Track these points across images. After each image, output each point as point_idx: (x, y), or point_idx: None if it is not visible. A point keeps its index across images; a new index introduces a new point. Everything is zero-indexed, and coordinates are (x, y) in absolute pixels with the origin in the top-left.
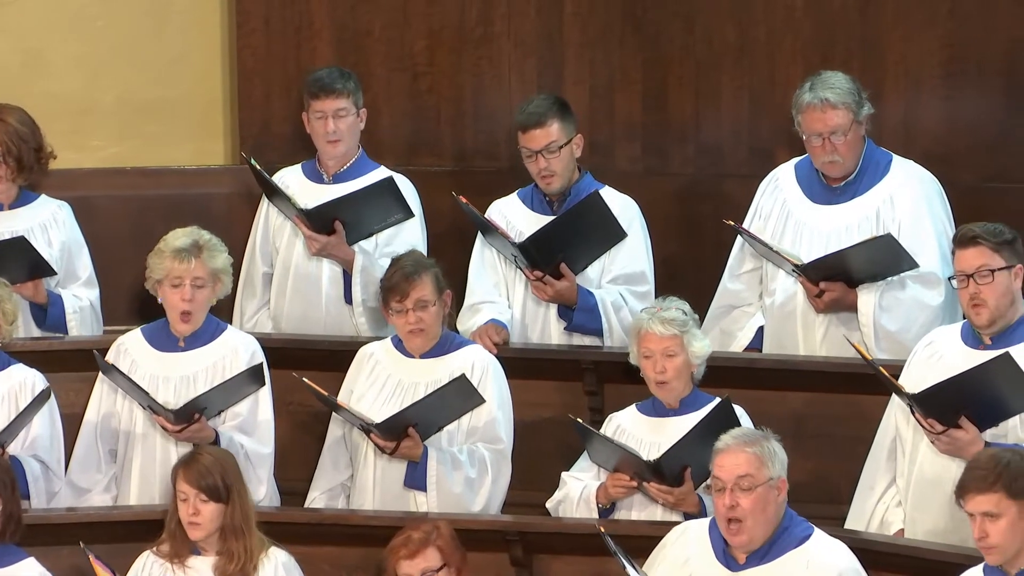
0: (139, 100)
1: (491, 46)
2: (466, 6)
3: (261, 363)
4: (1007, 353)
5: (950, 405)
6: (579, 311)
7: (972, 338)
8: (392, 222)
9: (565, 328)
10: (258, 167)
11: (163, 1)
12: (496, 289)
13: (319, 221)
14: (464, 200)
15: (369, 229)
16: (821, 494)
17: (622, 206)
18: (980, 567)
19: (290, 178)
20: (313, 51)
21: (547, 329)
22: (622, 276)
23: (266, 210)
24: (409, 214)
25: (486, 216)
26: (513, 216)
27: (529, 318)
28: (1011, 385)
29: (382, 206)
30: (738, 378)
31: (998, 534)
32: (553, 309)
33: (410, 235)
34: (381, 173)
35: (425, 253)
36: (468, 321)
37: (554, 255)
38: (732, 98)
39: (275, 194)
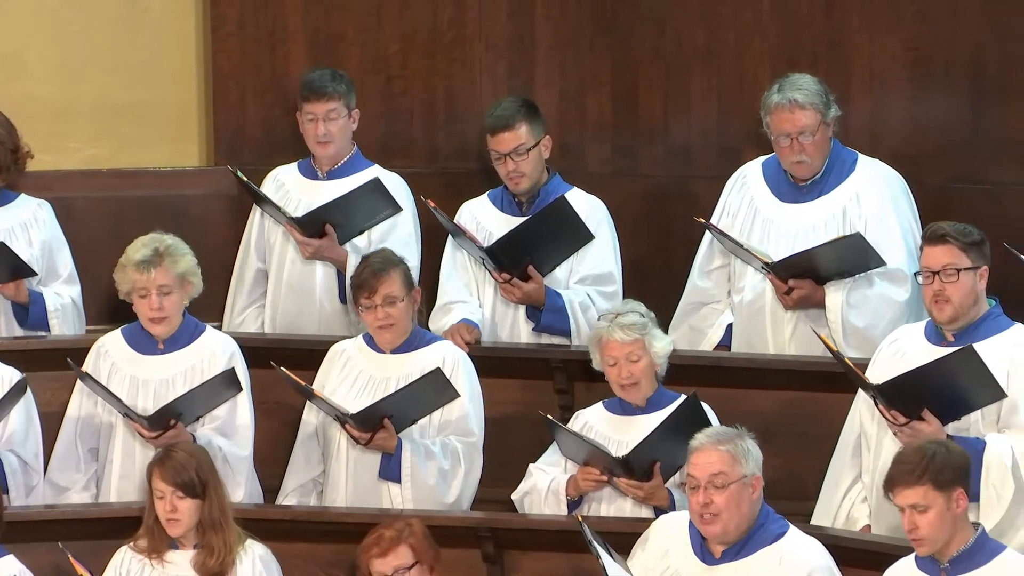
0: (115, 103)
1: (463, 49)
2: (438, 10)
3: (233, 368)
4: (970, 346)
5: (913, 397)
6: (547, 312)
7: (936, 335)
8: (382, 218)
9: (533, 329)
10: (244, 179)
11: (139, 5)
12: (467, 289)
13: (310, 226)
14: (432, 204)
15: (360, 227)
16: (789, 491)
17: (590, 207)
18: (911, 557)
19: (286, 175)
20: (287, 55)
21: (516, 328)
22: (590, 277)
23: (261, 210)
24: (397, 208)
25: (456, 219)
26: (483, 217)
27: (499, 317)
28: (973, 379)
29: (371, 205)
30: (706, 376)
31: (927, 526)
32: (522, 309)
33: (403, 231)
34: (374, 171)
35: (419, 250)
36: (440, 321)
37: (521, 258)
38: (701, 100)
39: (263, 202)
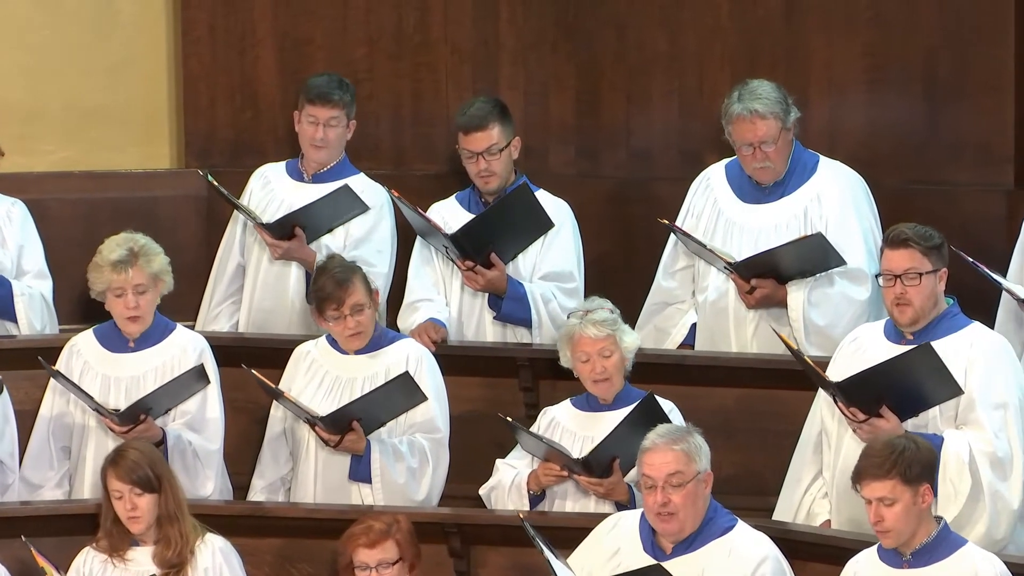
0: (87, 106)
1: (428, 53)
2: (404, 14)
3: (203, 363)
4: (928, 344)
5: (872, 394)
6: (508, 300)
7: (895, 334)
8: (349, 218)
9: (495, 318)
10: (215, 183)
11: (110, 10)
12: (435, 288)
13: (280, 230)
14: (396, 194)
15: (328, 227)
16: (750, 487)
17: (555, 209)
18: (874, 548)
19: (272, 173)
20: (256, 58)
21: (482, 326)
22: (552, 273)
23: (246, 203)
24: (364, 208)
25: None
26: (451, 217)
27: (465, 315)
28: (931, 376)
29: (339, 208)
30: (669, 375)
31: (893, 519)
32: (488, 310)
33: (379, 237)
34: (358, 179)
35: (392, 259)
36: (407, 319)
37: (484, 245)
38: (662, 103)
39: (233, 207)
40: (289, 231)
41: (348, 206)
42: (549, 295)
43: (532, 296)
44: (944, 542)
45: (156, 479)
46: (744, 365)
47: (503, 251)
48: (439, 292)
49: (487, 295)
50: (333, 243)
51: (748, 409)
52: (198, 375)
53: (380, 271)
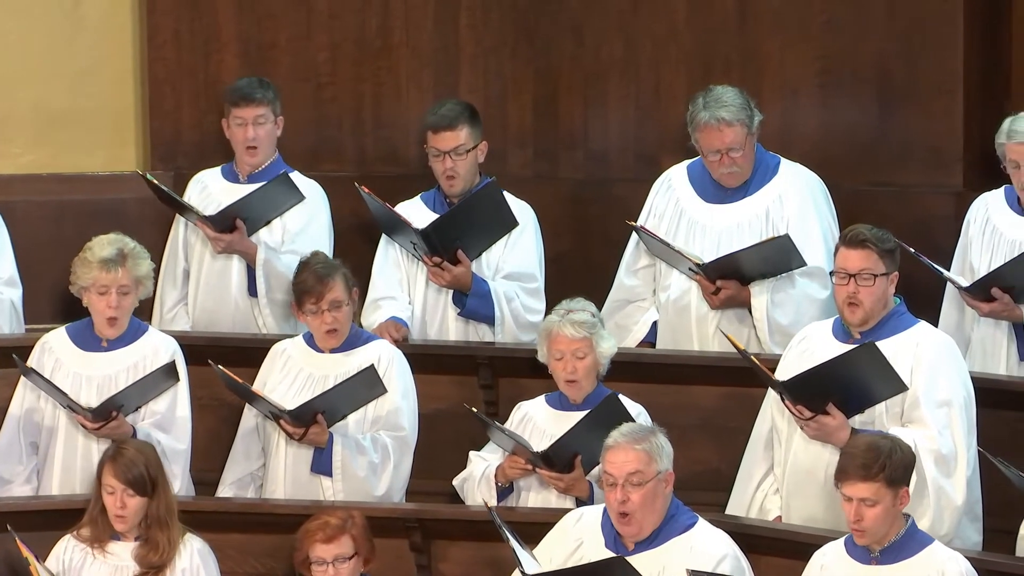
0: (55, 109)
1: (390, 57)
2: (366, 19)
3: (173, 360)
4: (872, 343)
5: (818, 392)
6: (472, 296)
7: (843, 333)
8: (287, 208)
9: (459, 314)
10: (155, 181)
11: (77, 15)
12: (400, 286)
13: (221, 223)
14: (366, 190)
15: (267, 218)
16: (708, 482)
17: (518, 210)
18: (841, 541)
19: (209, 178)
20: (221, 63)
21: (445, 323)
22: (514, 274)
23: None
24: (301, 197)
25: (383, 233)
26: (416, 217)
27: (428, 313)
28: (875, 373)
29: (277, 198)
30: (628, 372)
31: (873, 519)
32: (451, 308)
33: (316, 228)
34: (293, 177)
35: (332, 247)
36: (370, 317)
37: (452, 242)
38: (619, 106)
39: (174, 204)
40: (230, 224)
41: (286, 196)
42: (512, 294)
43: (496, 294)
44: (912, 540)
45: (151, 483)
46: (701, 363)
47: (469, 248)
48: (402, 290)
49: (451, 293)
50: (270, 238)
51: (706, 406)
52: (168, 373)
53: None
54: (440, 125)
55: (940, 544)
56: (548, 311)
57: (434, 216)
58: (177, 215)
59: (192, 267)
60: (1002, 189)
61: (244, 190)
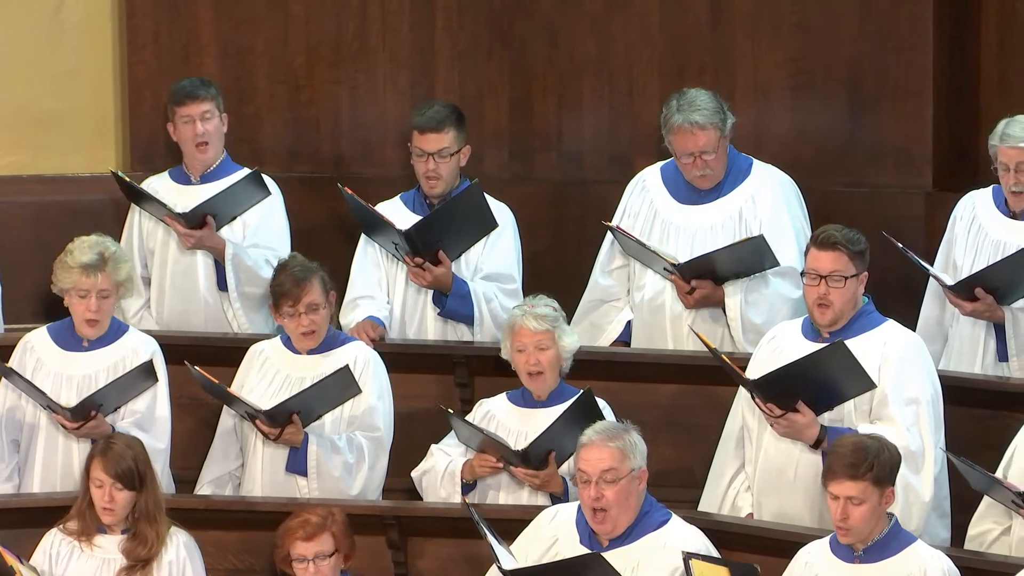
0: (36, 111)
1: (367, 60)
2: (343, 23)
3: (151, 360)
4: (841, 342)
5: (788, 390)
6: (453, 296)
7: (812, 331)
8: (254, 204)
9: (439, 314)
10: (126, 178)
11: (58, 19)
12: (378, 285)
13: (193, 220)
14: (349, 191)
15: (235, 214)
16: (680, 479)
17: (497, 212)
18: (826, 539)
19: (158, 184)
20: (200, 65)
21: (424, 322)
22: (493, 274)
23: (138, 217)
24: (268, 193)
25: (362, 234)
26: (396, 217)
27: (408, 313)
28: (844, 372)
29: (248, 195)
30: (601, 370)
31: (859, 518)
32: (430, 308)
33: (275, 223)
34: (244, 174)
35: (289, 235)
36: (348, 316)
37: (434, 243)
38: (593, 108)
39: (146, 201)
40: (200, 221)
41: (255, 192)
42: (491, 294)
43: (475, 294)
44: (895, 539)
45: (139, 477)
46: (672, 361)
47: (450, 249)
48: (381, 290)
49: (431, 293)
50: (231, 234)
51: (677, 404)
52: (146, 372)
53: (284, 255)
54: (427, 126)
55: (923, 543)
56: None
57: (414, 216)
58: (128, 223)
59: (154, 271)
60: (990, 189)
61: (199, 191)
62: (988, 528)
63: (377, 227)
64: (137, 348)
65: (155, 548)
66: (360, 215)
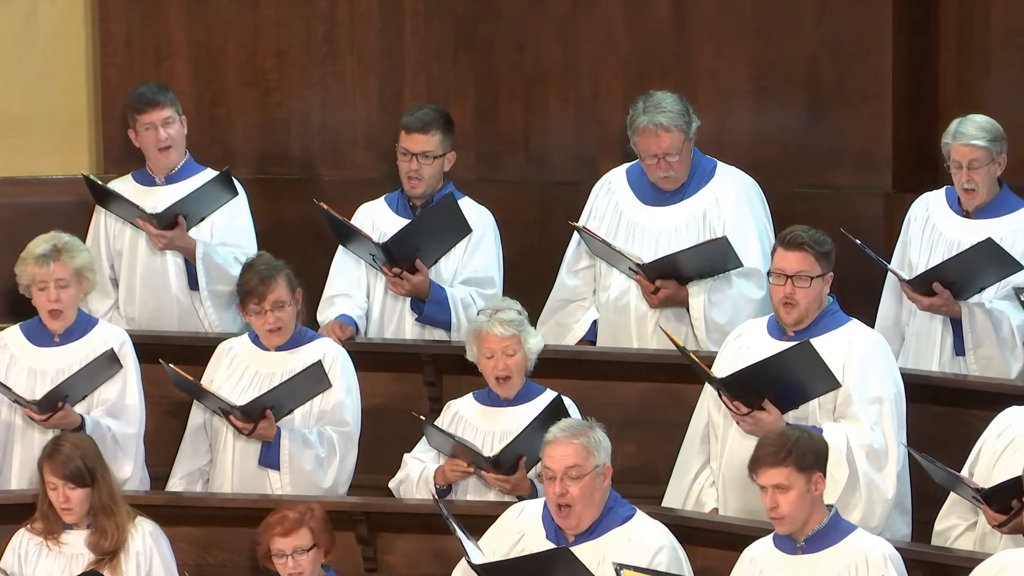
0: (9, 114)
1: (336, 63)
2: (312, 27)
3: (112, 348)
4: (807, 341)
5: (754, 389)
6: (430, 303)
7: (777, 330)
8: (223, 204)
9: (417, 319)
10: (98, 182)
11: (31, 23)
12: (357, 284)
13: (165, 221)
14: (324, 206)
15: (204, 215)
16: (644, 476)
17: (478, 216)
18: (770, 536)
19: (122, 187)
20: (172, 69)
21: (402, 325)
22: (472, 279)
23: (103, 219)
24: (236, 193)
25: (352, 220)
26: (379, 218)
27: (386, 316)
28: (810, 371)
29: (217, 195)
30: (568, 369)
31: (788, 505)
32: (408, 308)
33: (241, 222)
34: (209, 174)
35: (254, 236)
36: (324, 312)
37: (411, 252)
38: (558, 111)
39: (117, 203)
40: (172, 221)
41: (225, 192)
42: (469, 300)
43: (453, 300)
44: (835, 529)
45: (89, 474)
46: (638, 360)
47: (427, 257)
48: (359, 288)
49: (409, 298)
50: (199, 234)
51: (642, 402)
52: (109, 360)
53: (252, 252)
54: (413, 127)
55: (864, 531)
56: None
57: (397, 217)
58: (93, 225)
59: (123, 273)
60: (943, 190)
61: (164, 192)
62: (954, 523)
63: (353, 239)
64: (107, 339)
65: (118, 539)
66: (336, 228)
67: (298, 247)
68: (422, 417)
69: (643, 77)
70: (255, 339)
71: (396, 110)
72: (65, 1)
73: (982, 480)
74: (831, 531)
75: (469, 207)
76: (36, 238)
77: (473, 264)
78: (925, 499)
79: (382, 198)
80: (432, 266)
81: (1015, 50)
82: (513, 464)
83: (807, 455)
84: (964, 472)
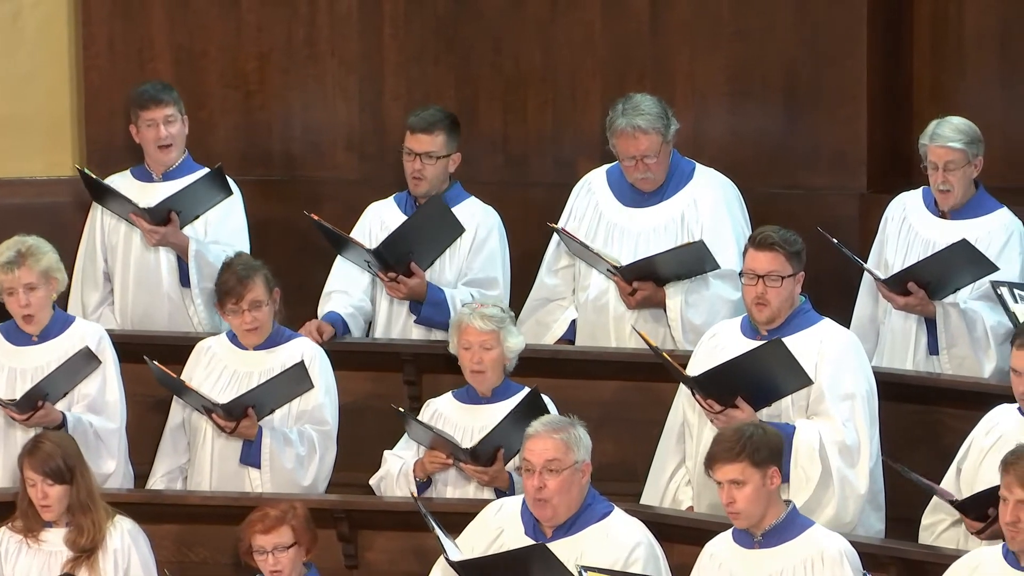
0: None
1: (317, 65)
2: (293, 29)
3: (87, 345)
4: (779, 339)
5: (727, 387)
6: (427, 305)
7: (751, 330)
8: (217, 202)
9: (415, 321)
10: (92, 175)
11: (15, 25)
12: (356, 280)
13: (157, 216)
14: (316, 217)
15: (198, 212)
16: (621, 473)
17: (484, 216)
18: (729, 532)
19: (120, 182)
20: (154, 71)
21: (408, 325)
22: (476, 280)
23: (100, 214)
24: (230, 192)
25: (361, 218)
26: (388, 217)
27: (394, 317)
28: (782, 368)
29: (211, 192)
30: (546, 368)
31: (744, 500)
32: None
33: (236, 222)
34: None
35: (247, 236)
36: (322, 307)
37: (405, 256)
38: (537, 113)
39: (111, 198)
40: (165, 217)
41: (219, 190)
42: (469, 300)
43: (451, 300)
44: (792, 524)
45: (68, 471)
46: (615, 359)
47: (421, 259)
48: (359, 285)
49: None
50: (193, 232)
51: (620, 400)
52: (86, 357)
53: (245, 250)
54: (418, 127)
55: (820, 527)
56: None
57: (405, 217)
58: (90, 220)
59: (116, 267)
60: (920, 190)
61: (160, 188)
62: (939, 519)
63: (348, 248)
64: (85, 336)
65: (95, 537)
66: (329, 238)
67: (279, 248)
68: (401, 409)
69: (621, 79)
70: (233, 338)
71: (376, 112)
72: (48, 4)
73: (969, 477)
74: (788, 526)
75: (475, 207)
76: (2, 244)
77: (477, 265)
78: (900, 494)
79: (391, 197)
80: (428, 268)
81: (989, 51)
82: (491, 456)
83: (761, 450)
84: (952, 468)
